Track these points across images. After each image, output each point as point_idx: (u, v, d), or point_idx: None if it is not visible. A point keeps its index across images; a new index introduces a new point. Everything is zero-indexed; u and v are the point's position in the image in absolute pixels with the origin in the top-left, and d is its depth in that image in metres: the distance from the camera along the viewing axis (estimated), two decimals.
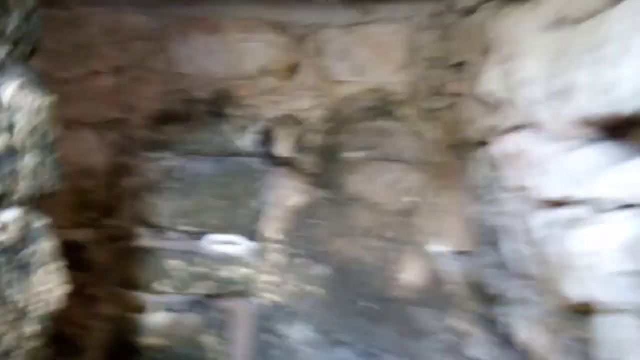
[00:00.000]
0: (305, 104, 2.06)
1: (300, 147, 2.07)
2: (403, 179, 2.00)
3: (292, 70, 2.09)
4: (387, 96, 2.03)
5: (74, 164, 2.01)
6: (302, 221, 2.05)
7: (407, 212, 1.99)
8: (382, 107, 2.02)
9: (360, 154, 2.02)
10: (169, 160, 2.10)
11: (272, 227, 2.06)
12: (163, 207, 2.09)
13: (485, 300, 1.78)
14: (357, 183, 2.02)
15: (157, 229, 2.10)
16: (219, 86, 2.09)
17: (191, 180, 2.08)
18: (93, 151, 2.09)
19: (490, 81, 1.47)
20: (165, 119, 2.09)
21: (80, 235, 2.06)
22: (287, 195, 2.06)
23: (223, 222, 2.08)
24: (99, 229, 2.10)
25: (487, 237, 1.73)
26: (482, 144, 1.70)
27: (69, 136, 2.06)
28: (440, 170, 1.97)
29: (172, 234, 2.11)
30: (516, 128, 1.36)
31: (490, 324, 1.80)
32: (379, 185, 2.01)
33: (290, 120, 2.07)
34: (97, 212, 2.10)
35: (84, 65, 2.07)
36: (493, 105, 1.51)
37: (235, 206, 2.08)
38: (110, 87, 2.09)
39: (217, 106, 2.08)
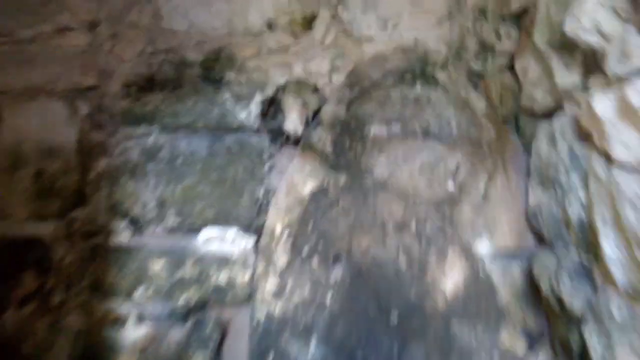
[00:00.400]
0: (323, 66, 1.80)
1: (316, 120, 1.78)
2: (444, 160, 1.64)
3: (307, 24, 1.84)
4: (425, 56, 1.73)
5: (36, 141, 1.77)
6: (316, 213, 1.72)
7: (449, 202, 1.64)
8: (419, 70, 1.71)
9: (390, 129, 1.66)
10: (153, 137, 1.85)
11: (280, 220, 1.75)
12: (145, 196, 1.84)
13: (554, 315, 1.38)
14: (386, 165, 1.70)
15: (138, 223, 1.85)
16: (216, 45, 1.87)
17: (181, 162, 1.84)
18: (61, 126, 1.87)
19: (592, 12, 1.09)
20: (150, 86, 1.87)
21: (43, 229, 1.87)
22: (298, 180, 1.75)
23: (219, 213, 1.82)
24: (67, 222, 1.86)
25: (561, 234, 1.34)
26: (555, 109, 1.33)
27: (31, 107, 1.77)
28: (491, 148, 1.60)
29: (155, 229, 1.85)
30: None
31: (558, 345, 1.41)
32: (413, 168, 1.67)
33: (304, 87, 1.78)
34: (64, 201, 1.86)
35: (51, 21, 1.87)
36: (591, 50, 1.12)
37: (235, 194, 1.82)
38: (83, 47, 1.89)
39: (214, 70, 1.86)
